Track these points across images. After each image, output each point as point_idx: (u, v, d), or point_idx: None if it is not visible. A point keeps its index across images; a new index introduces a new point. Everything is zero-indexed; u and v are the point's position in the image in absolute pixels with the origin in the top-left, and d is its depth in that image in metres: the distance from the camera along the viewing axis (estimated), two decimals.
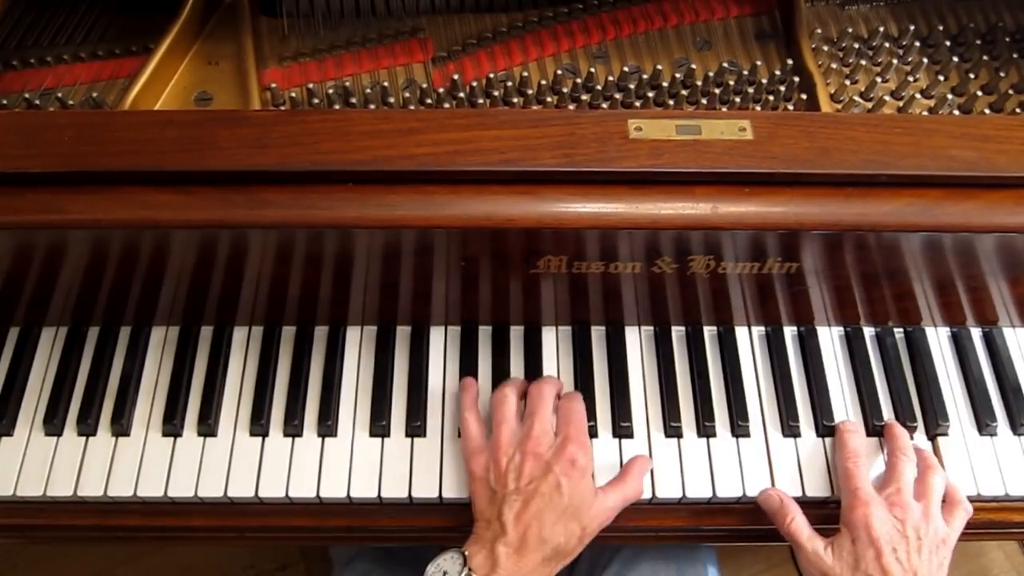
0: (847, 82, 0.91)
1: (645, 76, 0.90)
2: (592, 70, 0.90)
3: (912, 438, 0.83)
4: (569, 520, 0.73)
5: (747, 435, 0.83)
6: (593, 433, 0.83)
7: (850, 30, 0.94)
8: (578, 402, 0.80)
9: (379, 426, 0.83)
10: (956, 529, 0.76)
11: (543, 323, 0.89)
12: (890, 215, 0.72)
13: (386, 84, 0.88)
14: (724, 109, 0.88)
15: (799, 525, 0.76)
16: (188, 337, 0.87)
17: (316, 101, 0.88)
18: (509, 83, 0.89)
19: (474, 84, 0.89)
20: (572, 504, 0.73)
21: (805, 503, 0.80)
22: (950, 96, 0.89)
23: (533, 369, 0.86)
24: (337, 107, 0.88)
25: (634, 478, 0.78)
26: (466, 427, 0.79)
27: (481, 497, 0.75)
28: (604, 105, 0.89)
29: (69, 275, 0.80)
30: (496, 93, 0.89)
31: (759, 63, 0.90)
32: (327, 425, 0.82)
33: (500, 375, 0.86)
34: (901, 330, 0.90)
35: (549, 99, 0.89)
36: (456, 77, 0.88)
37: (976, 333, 0.91)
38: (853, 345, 0.89)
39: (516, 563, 0.70)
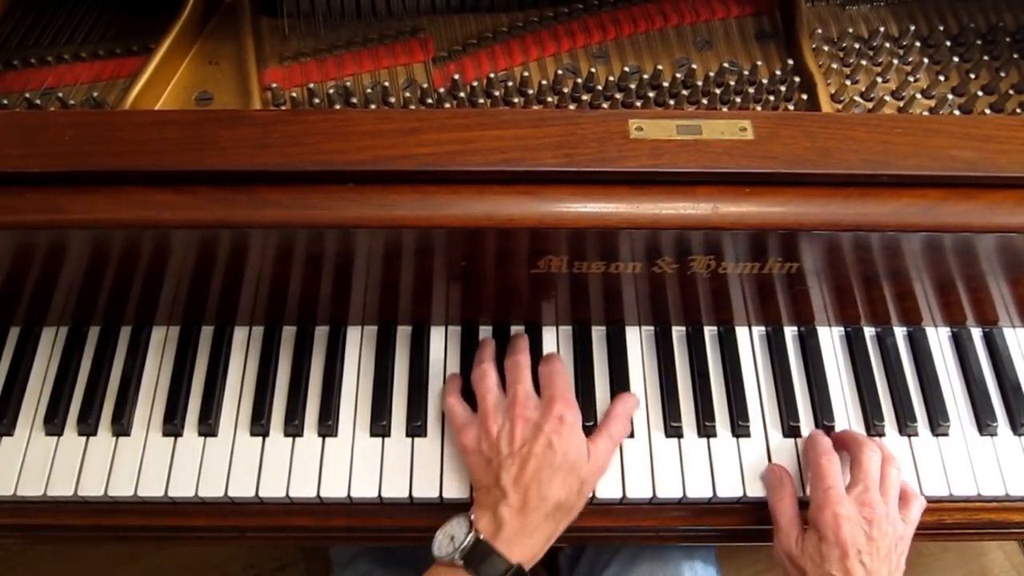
0: (847, 82, 0.91)
1: (646, 76, 0.90)
2: (593, 70, 0.90)
3: (913, 438, 0.84)
4: (567, 475, 0.74)
5: (747, 435, 0.83)
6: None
7: (850, 30, 0.94)
8: (558, 362, 0.81)
9: (379, 426, 0.83)
10: (913, 524, 0.77)
11: (543, 323, 0.89)
12: (890, 215, 0.72)
13: (387, 84, 0.88)
14: (725, 109, 0.88)
15: (787, 506, 0.78)
16: (188, 337, 0.87)
17: (317, 101, 0.88)
18: (509, 83, 0.89)
19: (475, 84, 0.89)
20: (567, 460, 0.74)
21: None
22: (950, 96, 0.89)
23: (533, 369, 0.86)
24: (338, 107, 0.88)
25: (618, 418, 0.80)
26: (450, 409, 0.81)
27: (477, 468, 0.76)
28: (605, 105, 0.89)
29: (69, 275, 0.80)
30: (497, 93, 0.89)
31: (759, 63, 0.90)
32: (327, 425, 0.82)
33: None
34: (901, 330, 0.90)
35: (550, 99, 0.89)
36: (456, 77, 0.88)
37: (976, 333, 0.91)
38: (853, 345, 0.89)
39: (521, 521, 0.71)
